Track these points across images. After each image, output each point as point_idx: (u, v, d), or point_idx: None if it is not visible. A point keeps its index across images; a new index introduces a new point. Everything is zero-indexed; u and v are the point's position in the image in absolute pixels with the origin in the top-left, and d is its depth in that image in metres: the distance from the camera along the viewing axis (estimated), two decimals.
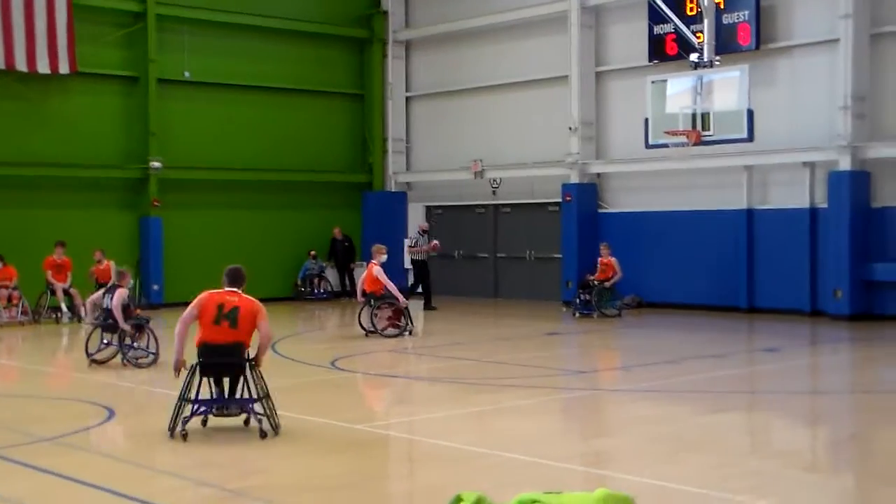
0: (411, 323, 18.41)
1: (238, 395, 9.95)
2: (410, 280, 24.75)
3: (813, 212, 20.83)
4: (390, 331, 18.04)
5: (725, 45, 20.46)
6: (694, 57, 18.83)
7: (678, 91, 19.53)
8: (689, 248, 22.33)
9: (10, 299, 20.56)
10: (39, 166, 22.95)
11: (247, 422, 10.05)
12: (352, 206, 27.90)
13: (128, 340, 14.67)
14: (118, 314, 14.44)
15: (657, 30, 22.43)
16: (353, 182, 27.98)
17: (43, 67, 22.49)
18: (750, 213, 21.69)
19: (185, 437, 9.57)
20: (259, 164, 26.08)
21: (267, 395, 9.86)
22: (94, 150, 23.82)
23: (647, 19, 22.47)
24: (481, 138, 26.32)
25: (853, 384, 13.80)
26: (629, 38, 23.47)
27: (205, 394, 9.90)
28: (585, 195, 24.06)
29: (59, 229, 22.23)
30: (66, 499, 7.84)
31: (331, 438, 9.88)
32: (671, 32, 21.77)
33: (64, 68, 22.73)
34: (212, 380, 9.91)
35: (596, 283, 21.34)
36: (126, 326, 14.57)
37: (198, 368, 9.76)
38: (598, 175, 24.36)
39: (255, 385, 9.84)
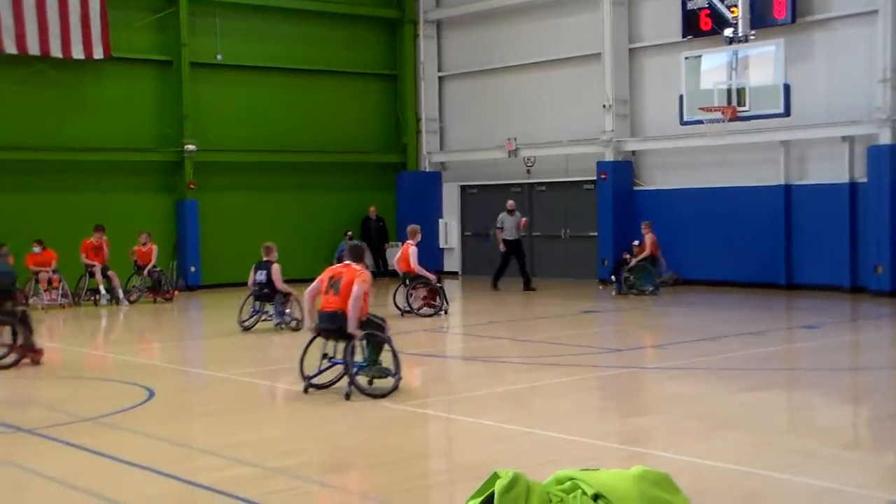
0: (446, 302, 18.43)
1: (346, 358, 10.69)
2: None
3: (852, 187, 20.57)
4: (425, 310, 18.07)
5: (760, 18, 20.19)
6: (728, 32, 18.64)
7: (713, 67, 19.35)
8: (726, 225, 22.14)
9: (50, 282, 20.81)
10: (76, 151, 23.16)
11: (347, 394, 10.60)
12: (386, 186, 27.92)
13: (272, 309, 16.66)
14: (281, 285, 16.46)
15: (690, 5, 22.18)
16: (387, 162, 28.00)
17: (77, 53, 22.66)
18: (788, 189, 21.47)
19: (306, 390, 10.77)
20: (292, 146, 26.16)
21: (374, 363, 10.80)
22: (130, 134, 24.01)
23: None
24: (515, 117, 26.22)
25: (894, 361, 13.65)
26: (662, 14, 23.24)
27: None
28: (620, 173, 23.92)
29: (97, 213, 22.46)
30: (106, 477, 7.94)
31: (369, 417, 9.92)
32: (705, 7, 21.54)
33: (98, 54, 22.90)
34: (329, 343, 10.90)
35: (631, 259, 21.26)
36: (287, 289, 16.52)
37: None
38: (633, 153, 24.21)
39: (369, 349, 10.78)
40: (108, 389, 11.70)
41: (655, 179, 23.97)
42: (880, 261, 19.92)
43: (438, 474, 8.27)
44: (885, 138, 19.84)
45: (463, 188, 27.91)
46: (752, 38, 18.49)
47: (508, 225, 22.74)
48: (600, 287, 23.15)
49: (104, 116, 23.65)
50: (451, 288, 22.32)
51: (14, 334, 13.39)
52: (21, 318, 13.45)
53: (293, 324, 16.45)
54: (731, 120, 18.96)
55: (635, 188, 24.00)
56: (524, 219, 22.96)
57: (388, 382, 10.75)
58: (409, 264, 18.12)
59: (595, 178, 24.24)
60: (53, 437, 9.13)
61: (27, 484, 7.83)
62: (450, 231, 27.77)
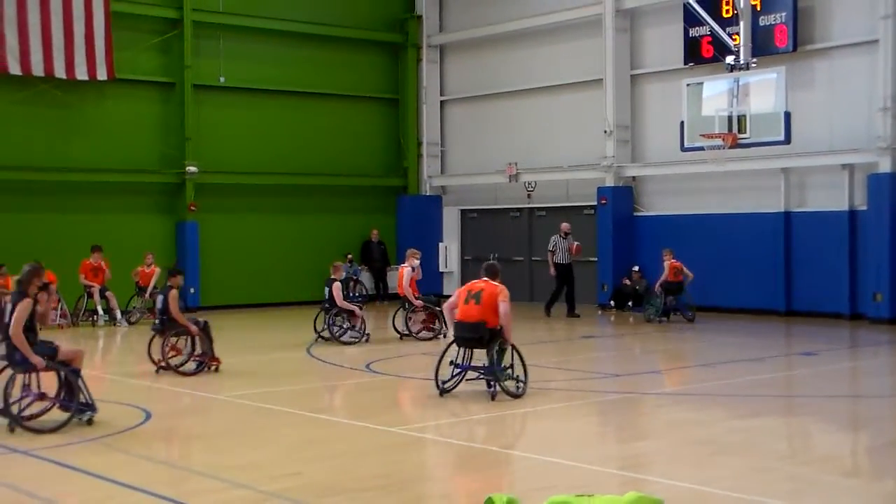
0: (445, 326, 18.38)
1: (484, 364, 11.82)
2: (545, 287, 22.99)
3: (852, 214, 20.60)
4: (424, 334, 18.04)
5: (762, 46, 20.30)
6: (730, 59, 18.69)
7: (714, 94, 19.38)
8: (726, 251, 22.16)
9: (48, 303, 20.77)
10: (78, 172, 23.20)
11: (489, 384, 11.83)
12: (387, 210, 27.95)
13: (344, 323, 17.54)
14: (340, 302, 17.28)
15: (693, 32, 22.29)
16: (388, 186, 28.04)
17: (81, 74, 22.76)
18: (788, 216, 21.49)
19: (441, 395, 11.86)
20: (294, 169, 26.21)
21: (509, 367, 11.79)
22: (132, 156, 24.06)
23: (683, 22, 22.34)
24: (516, 142, 26.29)
25: (894, 388, 13.62)
26: (664, 41, 23.35)
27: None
28: (621, 198, 23.95)
29: (97, 234, 22.48)
30: (102, 499, 7.89)
31: (365, 441, 9.89)
32: (707, 35, 21.63)
33: (102, 75, 22.99)
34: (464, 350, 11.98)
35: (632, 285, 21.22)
36: (347, 306, 17.42)
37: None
38: (634, 178, 24.25)
39: (497, 356, 11.71)
40: (104, 411, 11.65)
41: (656, 205, 24.00)
42: (879, 288, 19.91)
43: (434, 498, 8.22)
44: (885, 167, 19.88)
45: (463, 212, 27.95)
46: (754, 65, 18.54)
47: (561, 248, 22.06)
48: (600, 312, 23.12)
49: (106, 137, 23.71)
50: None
51: (193, 343, 14.26)
52: (203, 328, 14.28)
53: (363, 339, 17.45)
54: (731, 147, 18.97)
55: (636, 214, 24.03)
56: (577, 243, 22.12)
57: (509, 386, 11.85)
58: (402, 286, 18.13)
59: (595, 203, 24.26)
60: (49, 458, 9.09)
61: None
62: (450, 255, 27.78)
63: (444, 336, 18.08)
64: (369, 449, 9.57)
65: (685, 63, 22.46)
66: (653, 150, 23.86)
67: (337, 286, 17.40)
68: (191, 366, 14.27)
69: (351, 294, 26.47)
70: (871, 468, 9.14)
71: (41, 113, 22.99)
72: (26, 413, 10.42)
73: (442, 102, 28.26)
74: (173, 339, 14.43)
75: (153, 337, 14.72)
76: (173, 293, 14.18)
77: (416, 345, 17.40)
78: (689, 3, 20.14)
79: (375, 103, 27.94)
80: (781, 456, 9.41)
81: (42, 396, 10.51)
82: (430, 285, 24.63)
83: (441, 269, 27.65)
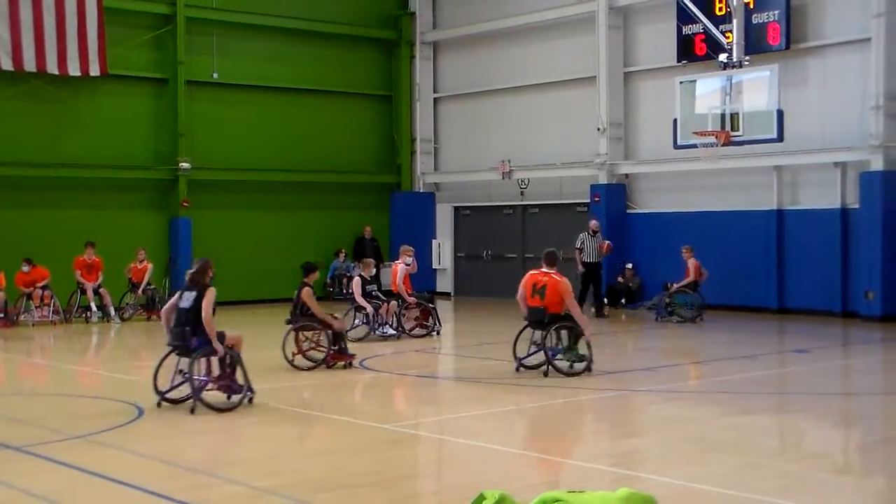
0: (439, 323, 18.41)
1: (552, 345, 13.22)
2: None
3: (844, 212, 20.65)
4: (418, 331, 18.05)
5: (755, 44, 20.33)
6: (723, 57, 18.73)
7: (707, 91, 19.42)
8: (719, 249, 22.18)
9: (41, 299, 20.75)
10: (70, 168, 23.17)
11: (544, 372, 13.09)
12: (380, 206, 27.95)
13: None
14: (358, 298, 17.32)
15: (686, 30, 22.31)
16: (382, 183, 28.04)
17: (74, 70, 22.70)
18: (780, 214, 21.54)
19: (518, 369, 13.23)
20: (287, 165, 26.19)
21: (571, 349, 13.22)
22: (124, 152, 24.02)
23: (676, 19, 22.36)
24: (509, 139, 26.30)
25: (885, 386, 13.66)
26: (658, 39, 23.37)
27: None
28: (614, 196, 23.98)
29: (89, 230, 22.43)
30: (95, 495, 7.90)
31: (359, 437, 9.90)
32: (700, 33, 21.66)
33: (94, 71, 22.94)
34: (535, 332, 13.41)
35: (625, 283, 21.20)
36: (362, 302, 17.32)
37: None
38: (627, 176, 24.28)
39: (559, 339, 13.25)
40: (97, 407, 11.66)
41: (649, 203, 24.04)
42: (871, 286, 19.97)
43: (427, 495, 8.24)
44: (877, 165, 19.93)
45: (456, 209, 27.96)
46: (747, 63, 18.58)
47: (589, 247, 21.29)
48: (592, 310, 23.13)
49: (99, 133, 23.66)
50: (444, 309, 22.29)
51: (330, 339, 14.05)
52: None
53: (386, 332, 17.44)
54: (724, 144, 19.02)
55: (629, 211, 24.06)
56: (608, 242, 21.41)
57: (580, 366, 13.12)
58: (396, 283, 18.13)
59: (588, 200, 24.29)
60: (42, 454, 9.09)
61: (15, 502, 7.78)
62: (443, 252, 27.79)
63: (438, 333, 18.12)
64: (363, 445, 9.58)
65: (678, 61, 22.49)
66: (646, 147, 23.89)
67: (356, 282, 17.59)
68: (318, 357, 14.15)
69: (344, 291, 26.53)
70: (862, 465, 9.18)
71: (33, 109, 22.94)
72: (184, 394, 11.17)
73: (435, 99, 28.26)
74: (308, 334, 14.30)
75: (288, 332, 14.46)
76: (307, 290, 13.98)
77: (410, 342, 17.40)
78: (682, 1, 20.17)
79: (369, 100, 27.93)
80: (773, 453, 9.45)
81: (217, 379, 11.26)
82: (424, 282, 24.64)
83: (434, 266, 27.66)
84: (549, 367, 13.05)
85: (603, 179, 23.99)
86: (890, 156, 19.89)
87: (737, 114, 18.76)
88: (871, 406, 12.03)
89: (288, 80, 26.30)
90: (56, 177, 23.07)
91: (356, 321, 17.60)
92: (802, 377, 14.05)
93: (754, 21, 20.94)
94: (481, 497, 5.86)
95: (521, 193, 26.29)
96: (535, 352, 13.41)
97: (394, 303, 17.70)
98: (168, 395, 11.24)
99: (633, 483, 7.79)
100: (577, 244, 21.44)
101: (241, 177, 25.53)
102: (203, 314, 10.92)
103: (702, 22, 20.24)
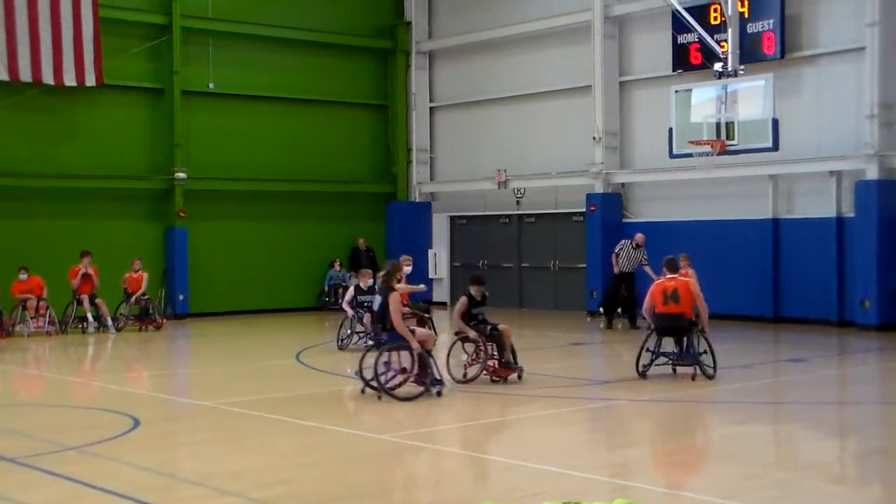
0: (435, 333, 18.36)
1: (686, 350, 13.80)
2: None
3: (840, 221, 20.68)
4: None
5: (750, 53, 20.37)
6: (718, 66, 18.73)
7: (702, 100, 19.41)
8: (715, 258, 22.16)
9: (37, 309, 20.71)
10: (66, 178, 23.15)
11: (674, 370, 14.00)
12: (376, 216, 27.95)
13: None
14: (344, 300, 17.87)
15: (681, 39, 22.37)
16: (377, 192, 28.04)
17: (70, 80, 22.70)
18: (776, 223, 21.57)
19: (643, 374, 13.74)
20: (283, 175, 26.19)
21: (704, 353, 13.73)
22: (121, 162, 24.02)
23: (671, 29, 22.42)
24: (505, 148, 26.32)
25: (882, 395, 13.67)
26: (653, 48, 23.42)
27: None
28: (610, 205, 24.00)
29: (86, 240, 22.39)
30: None
31: (355, 448, 9.88)
32: (695, 42, 21.71)
33: (90, 81, 22.93)
34: (671, 339, 13.91)
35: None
36: (347, 309, 17.59)
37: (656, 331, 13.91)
38: (623, 185, 24.30)
39: (696, 344, 13.66)
40: (92, 418, 11.64)
41: (644, 212, 24.06)
42: (867, 295, 19.99)
43: None
44: (872, 173, 19.97)
45: (452, 219, 27.96)
46: (742, 72, 18.58)
47: (627, 256, 20.97)
48: (589, 319, 23.16)
49: (95, 143, 23.65)
50: (440, 318, 22.25)
51: (480, 350, 13.66)
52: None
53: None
54: (720, 153, 19.01)
55: (624, 220, 24.07)
56: (647, 264, 20.58)
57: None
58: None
59: (584, 209, 24.31)
60: (37, 466, 9.06)
61: None
62: (439, 261, 27.79)
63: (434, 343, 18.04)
64: (359, 456, 9.57)
65: (674, 70, 22.54)
66: (641, 156, 23.93)
67: (349, 290, 18.00)
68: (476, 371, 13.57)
69: (340, 301, 26.50)
70: (857, 475, 9.18)
71: (29, 118, 22.93)
72: (389, 385, 12.28)
73: (431, 109, 28.29)
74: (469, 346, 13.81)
75: (453, 343, 14.10)
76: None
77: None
78: (677, 10, 20.19)
79: (364, 109, 27.95)
80: (769, 462, 9.44)
81: (403, 371, 12.43)
82: (420, 293, 24.59)
83: (431, 276, 27.65)
84: (696, 368, 13.68)
85: (599, 189, 24.02)
86: (885, 164, 19.93)
87: (732, 123, 18.74)
88: (867, 415, 12.03)
89: (284, 90, 26.31)
90: (52, 187, 23.05)
91: (348, 331, 17.58)
92: (798, 387, 14.06)
93: (749, 30, 21.00)
94: None
95: (517, 203, 26.31)
96: (655, 358, 13.86)
97: None
98: (371, 383, 12.31)
99: (629, 494, 7.79)
100: (616, 249, 21.26)
101: (237, 186, 25.51)
102: (393, 319, 12.10)
103: (697, 31, 20.25)
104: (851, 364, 16.87)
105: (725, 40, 18.85)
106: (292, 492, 8.24)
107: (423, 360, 12.37)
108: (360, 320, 17.53)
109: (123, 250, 22.80)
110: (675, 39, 22.51)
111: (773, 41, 21.01)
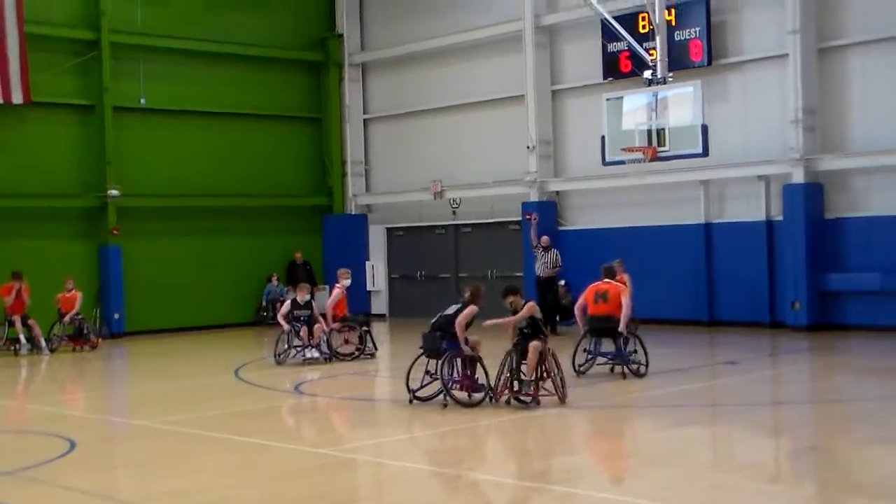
0: (374, 346, 18.38)
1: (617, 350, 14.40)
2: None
3: (769, 224, 21.09)
4: (344, 348, 17.86)
5: (678, 61, 20.72)
6: (647, 74, 19.01)
7: (633, 108, 19.64)
8: (650, 264, 22.45)
9: None
10: None
11: (612, 369, 14.63)
12: (312, 229, 27.85)
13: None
14: (279, 313, 17.85)
15: (611, 48, 22.66)
16: (313, 205, 27.95)
17: None
18: (708, 227, 21.93)
19: (580, 373, 14.43)
20: (218, 190, 25.98)
21: (635, 352, 14.43)
22: (51, 180, 23.64)
23: (601, 37, 22.71)
24: (440, 159, 26.41)
25: (813, 394, 13.97)
26: (583, 57, 23.69)
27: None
28: (545, 213, 24.16)
29: (17, 260, 21.96)
30: None
31: (296, 463, 9.84)
32: (625, 50, 22.00)
33: (17, 98, 22.54)
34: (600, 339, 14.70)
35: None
36: (282, 322, 17.61)
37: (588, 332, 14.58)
38: (557, 193, 24.51)
39: (627, 344, 14.37)
40: (26, 442, 11.44)
41: (579, 219, 24.30)
42: (797, 297, 20.40)
43: None
44: (798, 177, 20.41)
45: (389, 230, 27.97)
46: (671, 79, 18.86)
47: (540, 261, 21.62)
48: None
49: (24, 162, 23.25)
50: (380, 331, 22.26)
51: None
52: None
53: (312, 355, 17.40)
54: (651, 160, 19.26)
55: (559, 228, 24.28)
56: (559, 262, 21.56)
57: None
58: (335, 308, 18.03)
59: (520, 218, 24.47)
60: None
61: None
62: (377, 273, 27.77)
63: (372, 356, 18.04)
64: (300, 471, 9.53)
65: (604, 78, 22.82)
66: (575, 164, 24.17)
67: (285, 304, 18.00)
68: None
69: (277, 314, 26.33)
70: (792, 473, 9.37)
71: None
72: (431, 392, 12.62)
73: (365, 121, 28.29)
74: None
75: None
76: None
77: (345, 365, 17.32)
78: (606, 20, 20.45)
79: (298, 123, 27.86)
80: (708, 465, 9.59)
81: (466, 377, 12.64)
82: (358, 304, 24.61)
83: (369, 288, 27.62)
84: (625, 369, 14.37)
85: (534, 197, 24.20)
86: (810, 168, 20.39)
87: (663, 129, 19.00)
88: (799, 415, 12.29)
89: (217, 105, 26.12)
90: None
91: (285, 345, 17.45)
92: (733, 388, 14.30)
93: (677, 38, 21.36)
94: None
95: (453, 213, 26.41)
96: (592, 358, 14.58)
97: (317, 325, 17.51)
98: (418, 394, 12.55)
99: (571, 500, 7.87)
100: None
101: (171, 203, 25.25)
102: (457, 318, 12.58)
103: (626, 39, 20.51)
104: (783, 364, 17.20)
105: (654, 48, 19.15)
106: None
107: (473, 366, 12.78)
108: (297, 334, 17.45)
109: (56, 269, 22.40)
110: (605, 48, 22.80)
111: (701, 48, 21.40)
